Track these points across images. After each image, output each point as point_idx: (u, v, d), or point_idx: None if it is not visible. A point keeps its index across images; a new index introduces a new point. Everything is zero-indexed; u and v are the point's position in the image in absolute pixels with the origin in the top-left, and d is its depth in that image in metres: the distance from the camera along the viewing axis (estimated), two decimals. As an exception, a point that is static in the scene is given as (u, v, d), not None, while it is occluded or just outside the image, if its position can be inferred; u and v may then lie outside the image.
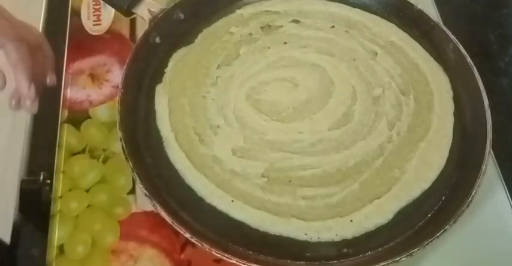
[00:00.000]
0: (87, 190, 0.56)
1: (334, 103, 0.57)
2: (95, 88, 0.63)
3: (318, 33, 0.63)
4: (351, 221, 0.50)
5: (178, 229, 0.47)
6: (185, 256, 0.52)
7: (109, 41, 0.67)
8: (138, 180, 0.49)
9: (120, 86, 0.55)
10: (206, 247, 0.45)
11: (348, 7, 0.65)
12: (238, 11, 0.65)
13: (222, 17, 0.65)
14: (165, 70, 0.60)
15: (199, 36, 0.63)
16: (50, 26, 0.68)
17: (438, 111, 0.57)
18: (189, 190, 0.52)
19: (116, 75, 0.64)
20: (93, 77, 0.64)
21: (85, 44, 0.67)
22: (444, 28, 0.60)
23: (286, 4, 0.66)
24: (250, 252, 0.48)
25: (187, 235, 0.46)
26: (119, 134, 0.52)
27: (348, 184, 0.52)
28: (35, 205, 0.54)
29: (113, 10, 0.67)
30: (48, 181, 0.55)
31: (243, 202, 0.51)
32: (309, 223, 0.50)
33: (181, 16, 0.63)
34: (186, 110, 0.57)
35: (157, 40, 0.61)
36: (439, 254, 0.51)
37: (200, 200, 0.51)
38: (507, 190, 0.56)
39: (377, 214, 0.50)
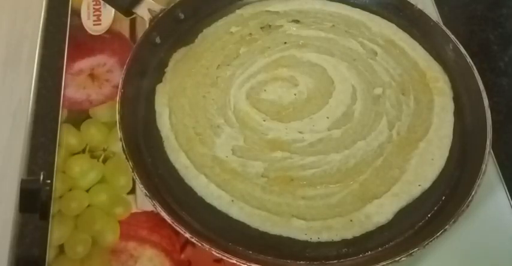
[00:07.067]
0: (87, 190, 0.56)
1: (334, 103, 0.57)
2: (95, 88, 0.63)
3: (317, 33, 0.63)
4: (351, 221, 0.50)
5: (178, 229, 0.47)
6: (185, 256, 0.52)
7: (109, 41, 0.67)
8: (138, 180, 0.49)
9: (120, 86, 0.55)
10: (206, 247, 0.45)
11: (348, 7, 0.65)
12: (238, 11, 0.65)
13: (222, 17, 0.65)
14: (165, 70, 0.60)
15: (199, 36, 0.63)
16: (50, 26, 0.68)
17: (438, 111, 0.57)
18: (189, 190, 0.52)
19: (116, 75, 0.64)
20: (93, 77, 0.64)
21: (85, 44, 0.67)
22: (444, 28, 0.60)
23: (286, 4, 0.66)
24: (250, 252, 0.48)
25: (187, 235, 0.46)
26: (119, 134, 0.52)
27: (347, 184, 0.52)
28: (35, 205, 0.54)
29: (113, 10, 0.67)
30: (48, 181, 0.55)
31: (243, 202, 0.51)
32: (309, 223, 0.50)
33: (181, 16, 0.63)
34: (186, 110, 0.57)
35: (157, 40, 0.61)
36: (439, 254, 0.51)
37: (200, 200, 0.51)
38: (507, 190, 0.56)
39: (377, 214, 0.50)
